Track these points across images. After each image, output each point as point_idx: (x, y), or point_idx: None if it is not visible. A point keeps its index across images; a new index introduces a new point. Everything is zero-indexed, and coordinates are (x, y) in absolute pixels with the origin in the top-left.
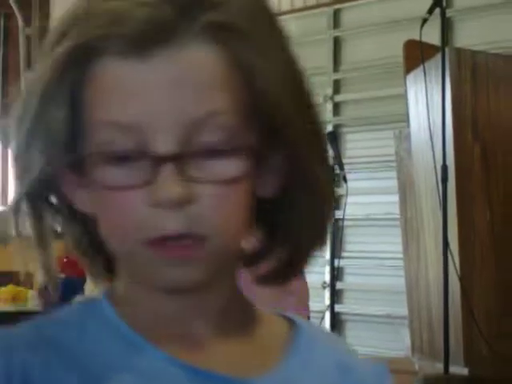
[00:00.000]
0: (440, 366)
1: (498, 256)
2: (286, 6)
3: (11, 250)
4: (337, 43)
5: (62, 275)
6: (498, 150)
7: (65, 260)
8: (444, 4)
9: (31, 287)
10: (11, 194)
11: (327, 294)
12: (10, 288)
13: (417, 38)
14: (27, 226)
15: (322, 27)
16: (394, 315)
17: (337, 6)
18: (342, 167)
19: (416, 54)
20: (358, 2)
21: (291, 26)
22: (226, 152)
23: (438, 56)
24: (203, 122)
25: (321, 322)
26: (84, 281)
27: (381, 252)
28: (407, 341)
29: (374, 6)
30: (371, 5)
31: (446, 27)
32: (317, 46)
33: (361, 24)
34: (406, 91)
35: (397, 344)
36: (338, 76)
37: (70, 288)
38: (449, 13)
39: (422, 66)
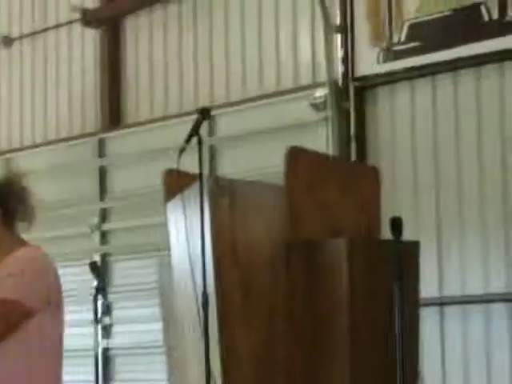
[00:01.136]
0: None
1: (262, 377)
2: (51, 137)
3: None
4: (102, 172)
5: None
6: (257, 273)
7: None
8: (203, 132)
9: None
10: None
11: None
12: None
13: (177, 166)
14: None
15: (89, 157)
16: None
17: (101, 136)
18: (106, 297)
19: (175, 183)
20: (122, 131)
21: (57, 155)
22: None
23: (197, 184)
24: None
25: None
26: None
27: (151, 380)
28: None
29: (136, 136)
30: (134, 134)
31: (206, 155)
32: (84, 176)
33: (125, 153)
34: (166, 219)
35: None
36: (104, 205)
37: None
38: (210, 141)
39: (180, 195)
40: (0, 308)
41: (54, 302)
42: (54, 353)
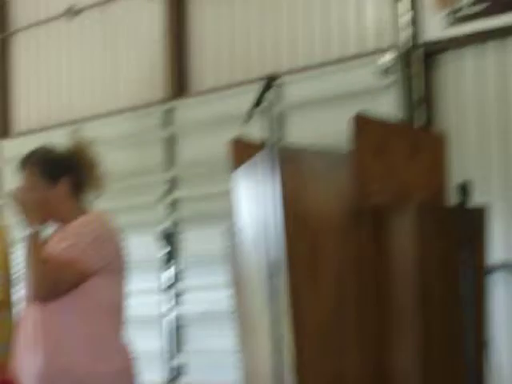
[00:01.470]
0: None
1: (330, 346)
2: (118, 106)
3: None
4: (170, 142)
5: None
6: (325, 239)
7: None
8: (270, 100)
9: None
10: None
11: None
12: None
13: (245, 134)
14: None
15: (156, 126)
16: None
17: (168, 105)
18: (176, 265)
19: (243, 151)
20: (188, 100)
21: (124, 125)
22: None
23: (264, 152)
24: None
25: None
26: None
27: (220, 347)
28: None
29: (203, 104)
30: (201, 103)
31: (273, 124)
32: (151, 145)
33: (192, 122)
34: (233, 188)
35: None
36: (172, 174)
37: None
38: (276, 110)
39: (247, 163)
40: (55, 267)
41: (113, 266)
42: (112, 316)
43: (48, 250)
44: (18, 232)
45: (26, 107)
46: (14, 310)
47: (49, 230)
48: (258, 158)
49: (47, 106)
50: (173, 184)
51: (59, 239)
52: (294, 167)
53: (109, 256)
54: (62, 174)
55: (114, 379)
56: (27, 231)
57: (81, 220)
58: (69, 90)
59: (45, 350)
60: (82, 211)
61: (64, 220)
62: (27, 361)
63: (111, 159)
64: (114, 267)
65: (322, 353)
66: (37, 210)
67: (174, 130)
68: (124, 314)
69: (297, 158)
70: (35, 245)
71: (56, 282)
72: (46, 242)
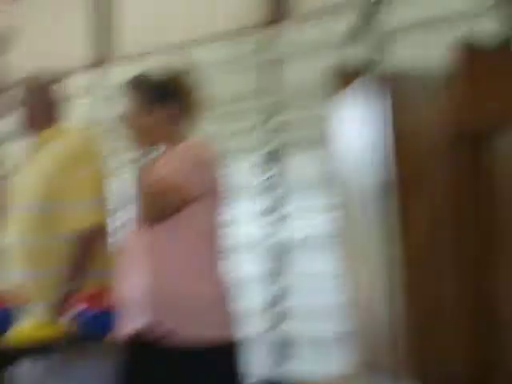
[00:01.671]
0: (388, 382)
1: (440, 268)
2: (214, 32)
3: None
4: (271, 67)
5: None
6: (426, 166)
7: None
8: (374, 23)
9: None
10: None
11: (271, 314)
12: None
13: (345, 59)
14: None
15: (256, 51)
16: (339, 334)
17: (266, 30)
18: (280, 189)
19: (345, 75)
20: (287, 24)
21: (226, 51)
22: None
23: (367, 75)
24: None
25: (264, 343)
26: (17, 312)
27: (324, 271)
28: (352, 358)
29: (303, 28)
30: (300, 26)
31: (376, 48)
32: (251, 70)
33: (292, 47)
34: (336, 111)
35: (344, 362)
36: (273, 99)
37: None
38: (381, 31)
39: (350, 87)
40: (162, 191)
41: (213, 192)
42: (212, 242)
43: (153, 175)
44: (122, 157)
45: (127, 33)
46: (111, 237)
47: (151, 155)
48: (361, 81)
49: (147, 33)
50: (274, 109)
51: (162, 165)
52: (397, 90)
53: (210, 182)
54: (165, 100)
55: (208, 303)
56: (135, 155)
57: (183, 145)
58: (168, 15)
59: (147, 272)
60: (183, 137)
61: (166, 146)
62: (129, 284)
63: (210, 84)
64: (215, 193)
65: (431, 275)
66: (142, 135)
67: (273, 55)
68: (223, 239)
69: (400, 80)
70: (144, 169)
71: (161, 205)
72: (147, 166)
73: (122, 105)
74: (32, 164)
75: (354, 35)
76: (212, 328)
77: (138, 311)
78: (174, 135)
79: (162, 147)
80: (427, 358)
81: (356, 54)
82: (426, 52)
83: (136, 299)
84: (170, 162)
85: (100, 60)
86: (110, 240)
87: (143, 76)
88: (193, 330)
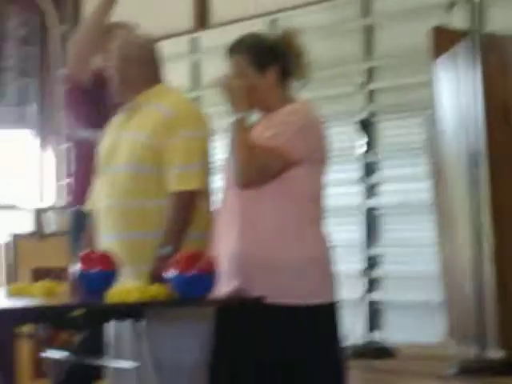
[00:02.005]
0: (475, 351)
1: None
2: None
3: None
4: (368, 32)
5: (96, 268)
6: None
7: (98, 254)
8: None
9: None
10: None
11: (364, 282)
12: (45, 283)
13: (445, 23)
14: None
15: (353, 16)
16: (430, 302)
17: None
18: (373, 156)
19: (445, 40)
20: None
21: (322, 16)
22: None
23: (466, 41)
24: None
25: (357, 310)
26: (117, 273)
27: (416, 239)
28: (444, 326)
29: None
30: None
31: (475, 12)
32: (348, 35)
33: (390, 11)
34: (434, 77)
35: (434, 330)
36: (369, 64)
37: (103, 280)
38: None
39: (450, 52)
40: (262, 153)
41: (316, 156)
42: (311, 206)
43: (253, 138)
44: (223, 120)
45: None
46: (212, 199)
47: (254, 117)
48: (460, 47)
49: None
50: (371, 74)
51: (265, 128)
52: (496, 56)
53: (314, 146)
54: (271, 62)
55: (307, 265)
56: (234, 117)
57: (287, 109)
58: None
59: (242, 235)
60: (288, 100)
61: (270, 109)
62: (225, 246)
63: (309, 49)
64: (318, 157)
65: None
66: (244, 97)
67: (372, 20)
68: (322, 204)
69: (500, 46)
70: (242, 131)
71: (261, 168)
72: (251, 129)
73: (224, 67)
74: (132, 122)
75: (453, 1)
76: (311, 289)
77: (233, 274)
78: (280, 98)
79: (264, 111)
80: None
81: (457, 18)
82: None
83: (231, 262)
84: (274, 126)
85: (200, 24)
86: (210, 203)
87: (251, 37)
88: (291, 291)
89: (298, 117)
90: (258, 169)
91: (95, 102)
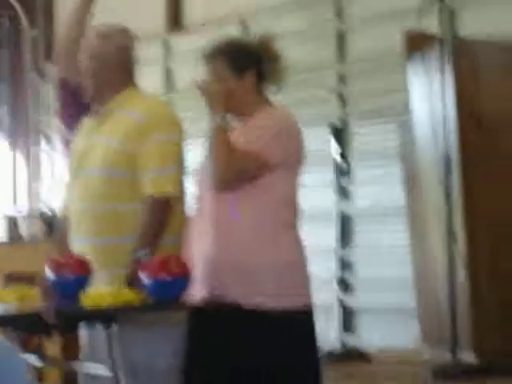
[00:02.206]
0: (449, 355)
1: (503, 244)
2: (289, 0)
3: (21, 253)
4: (341, 36)
5: (69, 273)
6: (500, 138)
7: (71, 258)
8: None
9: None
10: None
11: (336, 286)
12: (17, 288)
13: (418, 27)
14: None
15: (326, 20)
16: (403, 306)
17: None
18: (345, 160)
19: (416, 44)
20: None
21: (296, 20)
22: None
23: (438, 45)
24: None
25: (330, 315)
26: (90, 278)
27: (390, 243)
28: (417, 330)
29: None
30: None
31: (447, 17)
32: (322, 39)
33: (363, 16)
34: (407, 82)
35: (407, 334)
36: (342, 69)
37: (77, 285)
38: (450, 2)
39: (422, 56)
40: (240, 157)
41: (292, 160)
42: (286, 210)
43: (232, 141)
44: (196, 125)
45: (195, 1)
46: (186, 204)
47: (231, 121)
48: (432, 51)
49: (220, 1)
50: (345, 78)
51: (241, 132)
52: (468, 61)
53: (291, 150)
54: (248, 66)
55: (284, 269)
56: (213, 121)
57: (265, 113)
58: None
59: (217, 238)
60: (264, 104)
61: (247, 113)
62: (200, 249)
63: (284, 53)
64: (294, 161)
65: (493, 250)
66: (223, 101)
67: (345, 24)
68: (297, 207)
69: (471, 51)
70: (221, 134)
71: (239, 171)
72: (229, 133)
73: (198, 71)
74: (104, 127)
75: (425, 4)
76: (287, 292)
77: (208, 278)
78: (257, 102)
79: (241, 115)
80: (487, 333)
81: (428, 23)
82: (503, 22)
83: (206, 266)
84: (251, 130)
85: (173, 28)
86: (185, 206)
87: (232, 40)
88: (267, 295)
89: (274, 121)
90: (236, 172)
91: (85, 104)
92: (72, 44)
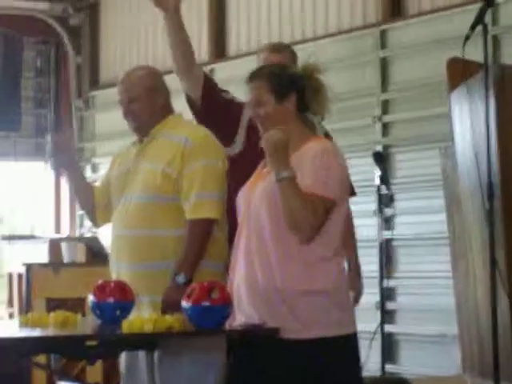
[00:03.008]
0: (491, 383)
1: None
2: (332, 29)
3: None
4: (384, 64)
5: (112, 299)
6: None
7: (113, 284)
8: (488, 21)
9: (82, 313)
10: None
11: (379, 314)
12: (59, 313)
13: (461, 55)
14: (79, 254)
15: (370, 48)
16: (445, 334)
17: (383, 27)
18: (389, 187)
19: (460, 72)
20: (404, 22)
21: (339, 47)
22: None
23: (482, 73)
24: None
25: (372, 342)
26: (132, 304)
27: (431, 271)
28: (458, 359)
29: (418, 26)
30: (416, 24)
31: (491, 44)
32: (365, 67)
33: (406, 44)
34: (450, 109)
35: (449, 363)
36: (385, 96)
37: (118, 310)
38: (494, 30)
39: (465, 84)
40: (308, 201)
41: (345, 192)
42: (335, 239)
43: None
44: None
45: (239, 31)
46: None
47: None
48: (475, 79)
49: (258, 30)
50: (387, 106)
51: (300, 166)
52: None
53: (343, 183)
54: (291, 92)
55: (329, 295)
56: (279, 173)
57: (313, 151)
58: (279, 12)
59: (264, 267)
60: (307, 134)
61: (294, 143)
62: (244, 277)
63: (327, 81)
64: (346, 193)
65: None
66: (270, 124)
67: (388, 52)
68: (342, 235)
69: None
70: (292, 186)
71: (320, 217)
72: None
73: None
74: (148, 153)
75: (470, 31)
76: (334, 320)
77: (252, 306)
78: (299, 130)
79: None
80: None
81: (472, 52)
82: None
83: (250, 293)
84: (305, 170)
85: (216, 56)
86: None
87: (276, 66)
88: (312, 323)
89: (326, 159)
90: (319, 220)
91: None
92: (183, 56)
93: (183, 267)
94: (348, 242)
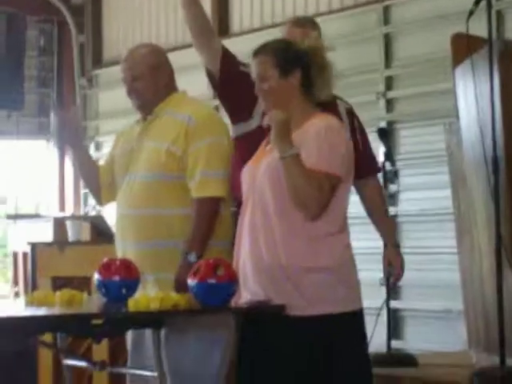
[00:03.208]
0: (496, 359)
1: None
2: (335, 5)
3: (68, 256)
4: (387, 40)
5: (117, 277)
6: None
7: (118, 263)
8: None
9: (88, 292)
10: (68, 201)
11: (384, 290)
12: (64, 292)
13: (465, 31)
14: (84, 232)
15: (373, 24)
16: (451, 310)
17: (386, 3)
18: (393, 163)
19: (464, 48)
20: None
21: (342, 24)
22: None
23: (486, 48)
24: None
25: (377, 319)
26: (138, 282)
27: (436, 247)
28: (464, 334)
29: (422, 1)
30: (419, 0)
31: (495, 19)
32: (368, 43)
33: (410, 20)
34: (454, 85)
35: (454, 338)
36: (389, 73)
37: (124, 289)
38: (498, 5)
39: (469, 59)
40: (314, 178)
41: (349, 168)
42: (339, 216)
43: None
44: None
45: (242, 8)
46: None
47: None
48: (479, 54)
49: (261, 7)
50: (391, 82)
51: (304, 141)
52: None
53: (348, 160)
54: (295, 67)
55: (334, 272)
56: (283, 151)
57: (316, 127)
58: None
59: (269, 244)
60: (310, 110)
61: (298, 119)
62: (250, 255)
63: (331, 58)
64: (349, 169)
65: None
66: (274, 99)
67: (392, 28)
68: (347, 212)
69: None
70: (297, 163)
71: (326, 193)
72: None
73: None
74: (152, 131)
75: (474, 6)
76: (341, 297)
77: (258, 283)
78: (302, 106)
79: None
80: None
81: (475, 26)
82: None
83: (256, 271)
84: (307, 149)
85: (220, 34)
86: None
87: (282, 41)
88: (319, 300)
89: (329, 135)
90: (321, 194)
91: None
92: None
93: (194, 246)
94: (383, 218)
